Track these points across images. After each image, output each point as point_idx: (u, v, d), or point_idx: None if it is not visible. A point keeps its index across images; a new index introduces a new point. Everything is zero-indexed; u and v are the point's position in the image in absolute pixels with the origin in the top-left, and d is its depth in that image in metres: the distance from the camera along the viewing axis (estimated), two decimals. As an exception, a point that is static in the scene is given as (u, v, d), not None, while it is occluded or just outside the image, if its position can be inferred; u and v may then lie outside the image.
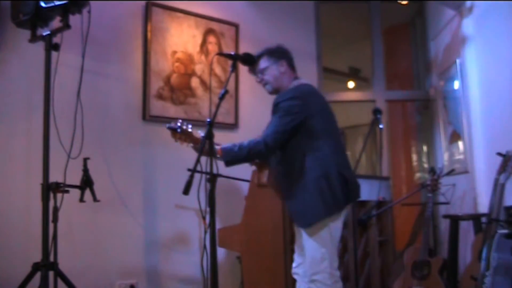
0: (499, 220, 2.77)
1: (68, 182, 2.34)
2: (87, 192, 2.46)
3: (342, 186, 2.19)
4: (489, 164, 3.28)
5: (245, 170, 2.82)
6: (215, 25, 3.80)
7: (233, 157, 2.22)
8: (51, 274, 2.24)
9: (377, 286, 3.47)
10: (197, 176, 1.99)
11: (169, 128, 2.24)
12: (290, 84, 2.39)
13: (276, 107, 2.28)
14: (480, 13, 3.52)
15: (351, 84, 6.23)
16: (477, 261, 2.73)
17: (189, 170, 2.11)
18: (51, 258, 2.26)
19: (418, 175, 5.02)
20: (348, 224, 3.28)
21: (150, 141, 3.38)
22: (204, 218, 2.06)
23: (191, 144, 2.28)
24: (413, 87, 4.98)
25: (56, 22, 2.39)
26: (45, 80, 2.35)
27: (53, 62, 2.36)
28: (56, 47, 2.38)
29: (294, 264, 2.44)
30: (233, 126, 3.82)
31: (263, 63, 2.42)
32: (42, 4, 2.32)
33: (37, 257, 2.25)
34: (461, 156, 3.86)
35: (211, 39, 3.78)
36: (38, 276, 2.22)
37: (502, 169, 2.84)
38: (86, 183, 2.45)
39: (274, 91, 2.42)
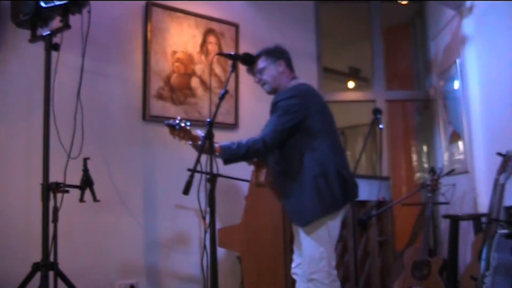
0: (499, 220, 2.77)
1: (68, 182, 2.34)
2: (87, 192, 2.46)
3: (340, 185, 2.20)
4: (489, 164, 3.28)
5: (245, 170, 2.82)
6: (215, 25, 3.80)
7: (231, 155, 2.22)
8: (51, 274, 2.24)
9: (377, 286, 3.47)
10: (197, 176, 1.99)
11: (168, 124, 2.24)
12: (289, 84, 2.40)
13: (274, 106, 2.28)
14: (480, 13, 3.52)
15: (351, 84, 6.23)
16: (477, 261, 2.73)
17: (189, 170, 2.11)
18: (51, 258, 2.26)
19: (418, 175, 5.02)
20: (348, 224, 3.28)
21: (150, 141, 3.38)
22: (204, 218, 2.06)
23: (190, 142, 2.28)
24: (413, 87, 4.98)
25: (56, 22, 2.40)
26: (45, 80, 2.35)
27: (53, 62, 2.37)
28: (56, 47, 2.38)
29: (293, 265, 2.44)
30: (233, 126, 3.82)
31: (261, 63, 2.42)
32: (42, 4, 2.32)
33: (37, 257, 2.25)
34: (461, 156, 3.86)
35: (211, 39, 3.78)
36: (38, 276, 2.22)
37: (502, 169, 2.84)
38: (86, 183, 2.45)
39: (273, 91, 2.42)
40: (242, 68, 2.59)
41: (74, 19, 2.36)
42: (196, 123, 2.80)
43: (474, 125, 3.59)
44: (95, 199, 2.46)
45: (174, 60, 3.55)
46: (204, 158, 2.04)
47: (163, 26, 3.51)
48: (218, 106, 2.14)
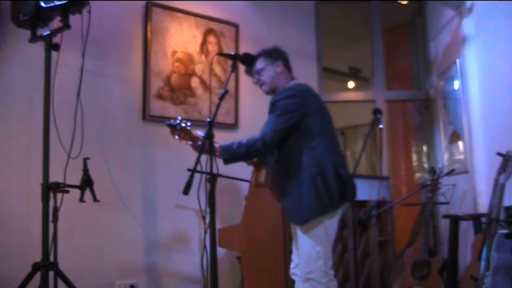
0: (499, 220, 2.77)
1: (68, 182, 2.34)
2: (87, 192, 2.45)
3: (338, 185, 2.20)
4: (489, 164, 3.28)
5: (245, 170, 2.82)
6: (215, 25, 3.80)
7: (231, 154, 2.23)
8: (51, 274, 2.24)
9: (377, 286, 3.47)
10: (197, 176, 1.99)
11: (168, 125, 2.24)
12: (287, 84, 2.41)
13: (273, 106, 2.29)
14: (480, 13, 3.52)
15: (351, 84, 6.23)
16: (477, 261, 2.73)
17: (189, 170, 2.12)
18: (51, 258, 2.26)
19: (418, 175, 5.02)
20: (348, 224, 3.28)
21: (150, 141, 3.38)
22: (204, 218, 2.06)
23: (190, 142, 2.28)
24: (413, 87, 4.99)
25: (56, 22, 2.39)
26: (45, 80, 2.35)
27: (53, 62, 2.36)
28: (56, 47, 2.38)
29: (292, 265, 2.45)
30: (233, 126, 3.82)
31: (259, 64, 2.43)
32: (42, 4, 2.31)
33: (37, 257, 2.25)
34: (461, 156, 3.86)
35: (211, 39, 3.78)
36: (38, 276, 2.22)
37: (502, 169, 2.83)
38: (86, 183, 2.45)
39: (271, 91, 2.43)
40: (242, 68, 2.58)
41: (74, 19, 2.36)
42: (196, 123, 2.79)
43: (474, 125, 3.59)
44: (95, 199, 2.45)
45: (174, 60, 3.55)
46: (204, 158, 2.04)
47: (163, 26, 3.51)
48: (218, 106, 2.14)
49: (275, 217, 2.89)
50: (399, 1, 4.60)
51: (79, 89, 2.48)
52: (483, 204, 3.35)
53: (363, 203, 3.55)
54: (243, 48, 3.72)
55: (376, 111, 3.04)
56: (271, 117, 2.27)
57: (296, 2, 4.35)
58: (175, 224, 3.42)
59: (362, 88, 6.03)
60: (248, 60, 2.41)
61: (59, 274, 2.27)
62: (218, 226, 2.38)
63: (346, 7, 4.94)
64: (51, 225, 2.27)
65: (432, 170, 3.62)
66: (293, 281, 2.44)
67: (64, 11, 2.32)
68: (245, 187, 3.28)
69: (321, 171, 2.19)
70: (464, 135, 3.74)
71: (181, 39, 3.60)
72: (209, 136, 2.06)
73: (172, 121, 2.23)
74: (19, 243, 2.74)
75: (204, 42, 3.73)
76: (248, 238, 2.92)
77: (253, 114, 3.80)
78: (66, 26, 2.33)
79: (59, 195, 2.30)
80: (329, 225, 2.22)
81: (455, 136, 4.00)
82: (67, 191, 2.32)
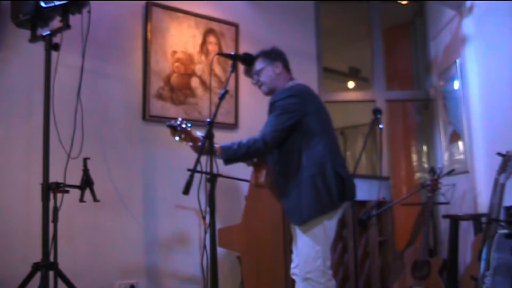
0: (499, 220, 2.77)
1: (68, 182, 2.34)
2: (87, 192, 2.45)
3: (338, 185, 2.21)
4: (489, 164, 3.28)
5: (245, 170, 2.81)
6: (215, 25, 3.80)
7: (231, 155, 2.23)
8: (51, 274, 2.24)
9: (377, 286, 3.47)
10: (197, 176, 1.99)
11: (169, 126, 2.24)
12: (286, 85, 2.41)
13: (272, 106, 2.29)
14: (480, 13, 3.52)
15: (351, 84, 6.23)
16: (477, 261, 2.73)
17: (189, 170, 2.11)
18: (51, 258, 2.26)
19: (418, 175, 5.02)
20: (348, 224, 3.29)
21: (150, 141, 3.38)
22: (204, 218, 2.06)
23: (190, 143, 2.28)
24: (413, 87, 4.98)
25: (56, 22, 2.39)
26: (45, 80, 2.35)
27: (53, 62, 2.36)
28: (56, 47, 2.38)
29: (292, 265, 2.45)
30: (233, 126, 3.82)
31: (258, 65, 2.44)
32: (42, 4, 2.31)
33: (37, 257, 2.25)
34: (461, 156, 3.86)
35: (211, 39, 3.78)
36: (38, 276, 2.22)
37: (502, 169, 2.84)
38: (86, 183, 2.44)
39: (270, 92, 2.44)
40: (242, 68, 2.59)
41: (74, 19, 2.36)
42: (196, 123, 2.80)
43: (474, 125, 3.59)
44: (95, 199, 2.45)
45: (174, 60, 3.55)
46: (204, 158, 2.04)
47: (163, 26, 3.51)
48: (218, 106, 2.14)
49: (275, 217, 2.89)
50: (399, 1, 4.60)
51: (79, 89, 2.48)
52: (483, 204, 3.35)
53: (363, 203, 3.55)
54: (243, 48, 3.72)
55: (376, 111, 3.04)
56: (271, 117, 2.28)
57: (296, 2, 4.35)
58: (175, 224, 3.42)
59: (362, 88, 6.02)
60: (248, 60, 2.41)
61: (59, 274, 2.27)
62: (218, 226, 2.38)
63: (346, 7, 4.94)
64: (51, 225, 2.26)
65: (432, 170, 3.62)
66: (293, 281, 2.45)
67: (64, 11, 2.32)
68: (245, 187, 3.27)
69: (321, 171, 2.20)
70: (464, 135, 3.75)
71: (181, 39, 3.60)
72: (209, 136, 2.06)
73: (172, 122, 2.22)
74: (19, 243, 2.74)
75: (204, 42, 3.73)
76: (248, 238, 2.92)
77: (253, 114, 3.80)
78: (66, 26, 2.33)
79: (59, 195, 2.30)
80: (328, 225, 2.23)
81: (455, 136, 4.00)
82: (67, 191, 2.32)
